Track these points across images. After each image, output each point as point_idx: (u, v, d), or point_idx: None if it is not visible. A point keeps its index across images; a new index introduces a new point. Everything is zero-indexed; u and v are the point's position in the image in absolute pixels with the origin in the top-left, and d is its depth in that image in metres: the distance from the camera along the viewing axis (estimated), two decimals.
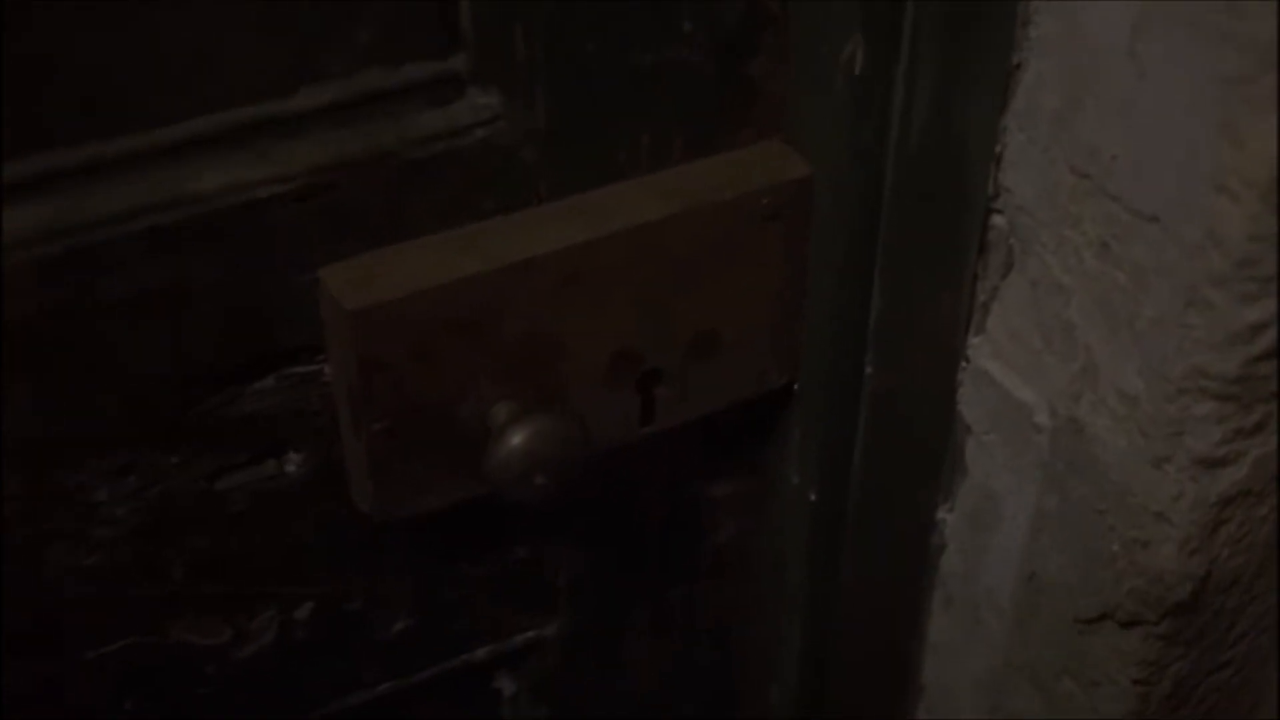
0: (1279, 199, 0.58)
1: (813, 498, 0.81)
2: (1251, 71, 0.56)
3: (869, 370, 0.76)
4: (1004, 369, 0.75)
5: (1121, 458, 0.68)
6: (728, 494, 0.84)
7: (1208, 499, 0.66)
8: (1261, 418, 0.65)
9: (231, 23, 0.57)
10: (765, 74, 0.70)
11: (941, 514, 0.82)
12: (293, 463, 0.69)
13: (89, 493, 0.64)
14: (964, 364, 0.77)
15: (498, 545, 0.78)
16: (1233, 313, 0.61)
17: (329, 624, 0.75)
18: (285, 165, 0.61)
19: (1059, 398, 0.71)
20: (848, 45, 0.65)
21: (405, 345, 0.64)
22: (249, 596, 0.72)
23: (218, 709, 0.74)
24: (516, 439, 0.65)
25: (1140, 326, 0.65)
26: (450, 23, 0.62)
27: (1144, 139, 0.62)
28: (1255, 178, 0.58)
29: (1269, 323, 0.61)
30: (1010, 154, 0.69)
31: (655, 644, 0.88)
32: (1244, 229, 0.59)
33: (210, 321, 0.62)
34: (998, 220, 0.72)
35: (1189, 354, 0.63)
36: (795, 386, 0.78)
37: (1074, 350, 0.69)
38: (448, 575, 0.78)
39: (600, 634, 0.86)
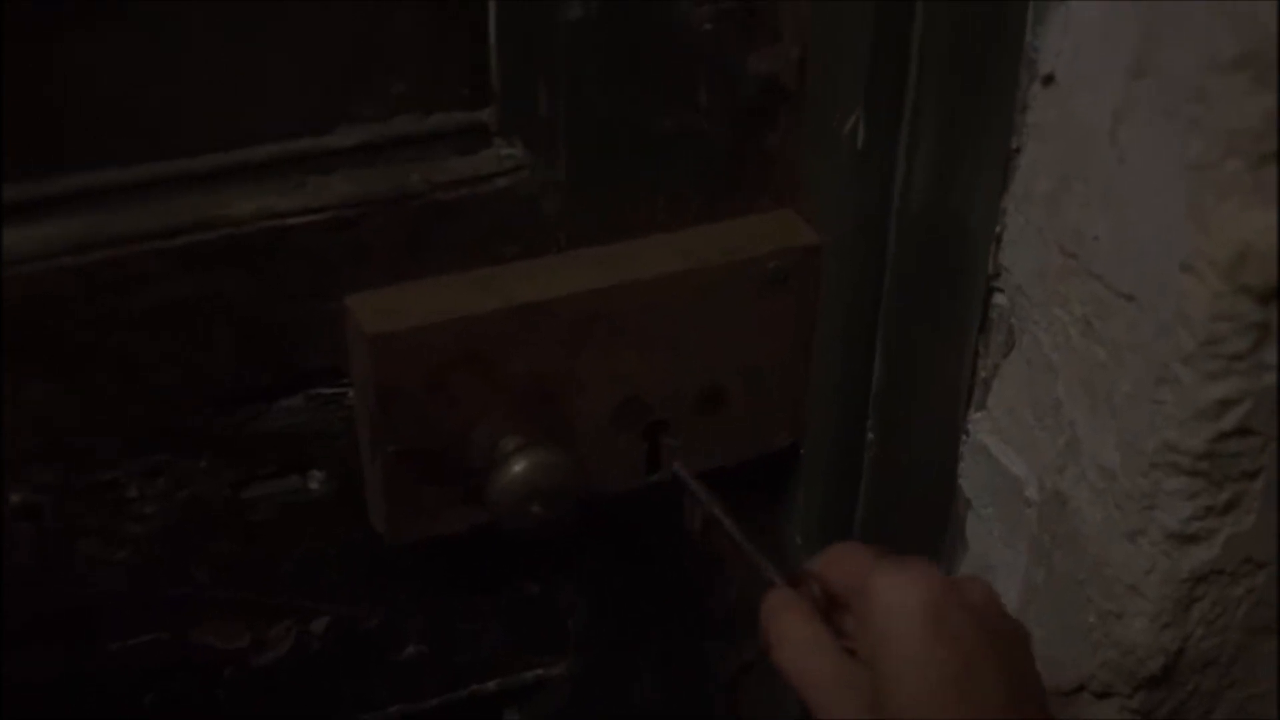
0: (1242, 280, 0.60)
1: None
2: (1216, 157, 0.59)
3: (870, 437, 0.79)
4: (1001, 444, 0.77)
5: (1099, 530, 0.71)
6: (733, 550, 0.86)
7: (1179, 574, 0.68)
8: (1233, 496, 0.67)
9: (277, 62, 0.63)
10: (781, 145, 0.74)
11: None
12: (316, 479, 0.73)
13: (121, 489, 0.69)
14: (964, 438, 0.79)
15: (511, 581, 0.82)
16: (1199, 389, 0.63)
17: (344, 640, 0.79)
18: (317, 197, 0.66)
19: (1046, 472, 0.74)
20: (851, 119, 0.70)
21: (422, 373, 0.69)
22: (268, 605, 0.76)
23: (233, 713, 0.78)
24: (517, 467, 0.69)
25: (1117, 402, 0.68)
26: (480, 78, 0.68)
27: (1123, 221, 0.65)
28: (1219, 258, 0.60)
29: (1235, 400, 0.63)
30: (1010, 234, 0.73)
31: (662, 694, 0.90)
32: (1208, 308, 0.61)
33: (238, 338, 0.67)
34: (999, 299, 0.75)
35: (1160, 429, 0.66)
36: (800, 450, 0.81)
37: (1060, 425, 0.72)
38: (461, 605, 0.81)
39: (608, 679, 0.88)
